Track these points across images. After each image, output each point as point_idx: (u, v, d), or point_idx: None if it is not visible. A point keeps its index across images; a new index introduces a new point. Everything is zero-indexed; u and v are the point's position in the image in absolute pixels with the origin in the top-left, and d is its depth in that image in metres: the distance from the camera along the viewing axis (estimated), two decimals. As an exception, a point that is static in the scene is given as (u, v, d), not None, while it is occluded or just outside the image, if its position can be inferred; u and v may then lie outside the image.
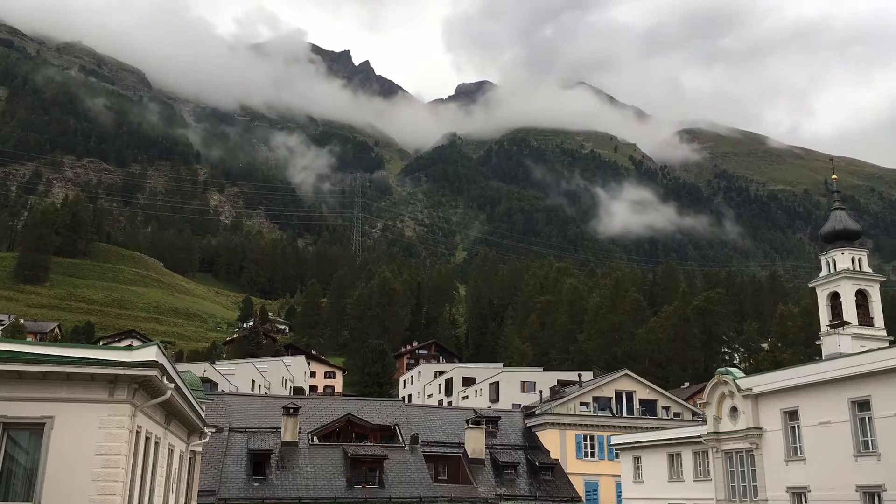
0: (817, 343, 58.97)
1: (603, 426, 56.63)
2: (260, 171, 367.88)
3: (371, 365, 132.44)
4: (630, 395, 61.14)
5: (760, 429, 35.25)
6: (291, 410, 45.17)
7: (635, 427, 55.24)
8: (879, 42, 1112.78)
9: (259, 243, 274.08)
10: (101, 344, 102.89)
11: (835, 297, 57.03)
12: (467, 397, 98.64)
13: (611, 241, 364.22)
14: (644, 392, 61.81)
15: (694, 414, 60.05)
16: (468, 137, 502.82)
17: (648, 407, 60.95)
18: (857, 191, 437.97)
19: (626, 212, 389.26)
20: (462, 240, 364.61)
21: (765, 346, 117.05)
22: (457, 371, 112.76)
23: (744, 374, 38.27)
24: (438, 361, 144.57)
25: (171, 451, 26.00)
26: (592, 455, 55.84)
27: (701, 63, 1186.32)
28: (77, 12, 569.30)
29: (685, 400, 67.81)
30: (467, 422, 49.72)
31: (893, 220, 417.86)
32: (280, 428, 45.21)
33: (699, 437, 39.88)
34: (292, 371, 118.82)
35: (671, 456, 43.87)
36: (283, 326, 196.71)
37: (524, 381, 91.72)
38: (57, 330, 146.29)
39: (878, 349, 34.14)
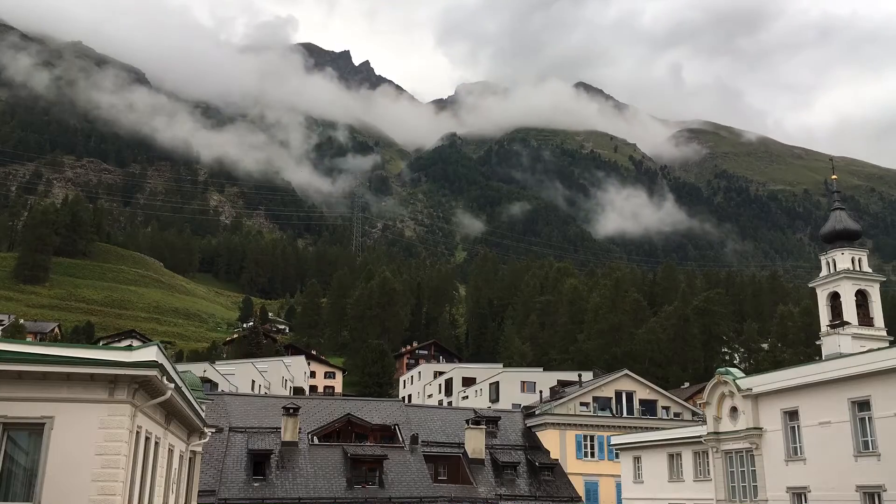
0: (817, 343, 58.99)
1: (603, 426, 56.62)
2: (260, 172, 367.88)
3: (371, 365, 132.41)
4: (630, 395, 61.13)
5: (760, 429, 35.24)
6: (291, 410, 45.15)
7: (635, 427, 55.22)
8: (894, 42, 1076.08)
9: (259, 243, 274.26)
10: (101, 344, 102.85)
11: (835, 298, 57.01)
12: (467, 397, 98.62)
13: (611, 241, 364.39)
14: (644, 392, 61.80)
15: (694, 414, 60.05)
16: (468, 137, 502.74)
17: (648, 407, 60.94)
18: (857, 191, 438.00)
19: (626, 212, 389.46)
20: (462, 240, 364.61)
21: (765, 346, 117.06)
22: (457, 371, 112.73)
23: (744, 375, 38.24)
24: (438, 361, 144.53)
25: (171, 451, 26.00)
26: (592, 455, 55.83)
27: (702, 63, 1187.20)
28: (77, 12, 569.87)
29: (685, 400, 67.80)
30: (467, 422, 49.69)
31: (893, 220, 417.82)
32: (280, 428, 45.19)
33: (699, 437, 39.86)
34: (292, 371, 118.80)
35: (671, 456, 43.86)
36: (283, 326, 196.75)
37: (524, 381, 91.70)
38: (57, 330, 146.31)
39: (878, 349, 34.14)
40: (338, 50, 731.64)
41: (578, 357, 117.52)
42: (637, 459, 47.19)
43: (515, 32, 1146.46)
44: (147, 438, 21.45)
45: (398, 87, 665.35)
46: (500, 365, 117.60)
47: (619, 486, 50.22)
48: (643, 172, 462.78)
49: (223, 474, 41.07)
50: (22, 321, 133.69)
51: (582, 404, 59.55)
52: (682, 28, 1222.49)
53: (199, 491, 34.69)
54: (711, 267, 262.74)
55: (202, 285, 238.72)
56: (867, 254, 59.60)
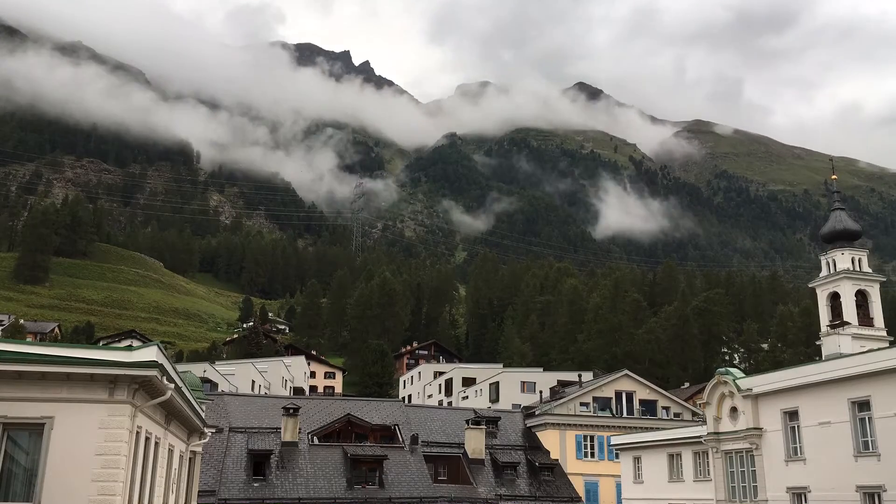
0: (817, 343, 58.98)
1: (603, 426, 56.61)
2: (260, 172, 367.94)
3: (371, 365, 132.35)
4: (630, 396, 61.13)
5: (760, 429, 35.23)
6: (291, 411, 45.13)
7: (635, 427, 55.22)
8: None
9: (259, 243, 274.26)
10: (101, 344, 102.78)
11: (835, 298, 56.99)
12: (467, 397, 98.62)
13: (611, 241, 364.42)
14: (644, 392, 61.80)
15: (694, 414, 60.04)
16: (468, 137, 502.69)
17: (648, 407, 60.95)
18: (857, 191, 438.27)
19: (626, 212, 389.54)
20: (462, 240, 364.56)
21: (765, 346, 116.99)
22: (457, 371, 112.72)
23: (744, 375, 38.21)
24: (438, 362, 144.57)
25: (171, 452, 26.00)
26: (592, 455, 55.83)
27: (702, 62, 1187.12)
28: (77, 12, 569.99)
29: (685, 400, 67.80)
30: (467, 422, 49.69)
31: (893, 220, 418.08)
32: (280, 428, 45.18)
33: (699, 437, 39.85)
34: (292, 371, 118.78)
35: (671, 456, 43.85)
36: (283, 327, 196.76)
37: (524, 382, 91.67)
38: (57, 330, 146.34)
39: (878, 349, 34.14)
40: (338, 50, 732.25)
41: (578, 357, 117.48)
42: (637, 459, 47.18)
43: (516, 32, 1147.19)
44: (147, 439, 21.44)
45: (398, 87, 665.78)
46: (500, 365, 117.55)
47: (619, 486, 50.21)
48: (643, 172, 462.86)
49: (223, 474, 41.06)
50: (22, 321, 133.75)
51: (582, 404, 59.55)
52: (683, 28, 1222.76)
53: (199, 491, 34.68)
54: (711, 267, 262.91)
55: (202, 285, 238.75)
56: (867, 254, 59.57)
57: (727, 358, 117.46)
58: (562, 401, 59.32)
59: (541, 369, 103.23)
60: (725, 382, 37.48)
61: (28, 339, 72.24)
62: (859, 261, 57.74)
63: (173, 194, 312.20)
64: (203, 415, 30.06)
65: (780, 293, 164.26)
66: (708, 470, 39.77)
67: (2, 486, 17.66)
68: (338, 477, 42.73)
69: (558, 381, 72.34)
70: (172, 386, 20.43)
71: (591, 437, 56.18)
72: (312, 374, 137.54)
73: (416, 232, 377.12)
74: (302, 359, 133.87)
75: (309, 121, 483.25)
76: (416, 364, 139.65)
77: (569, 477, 50.09)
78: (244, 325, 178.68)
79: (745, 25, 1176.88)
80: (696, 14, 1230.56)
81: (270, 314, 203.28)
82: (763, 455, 35.11)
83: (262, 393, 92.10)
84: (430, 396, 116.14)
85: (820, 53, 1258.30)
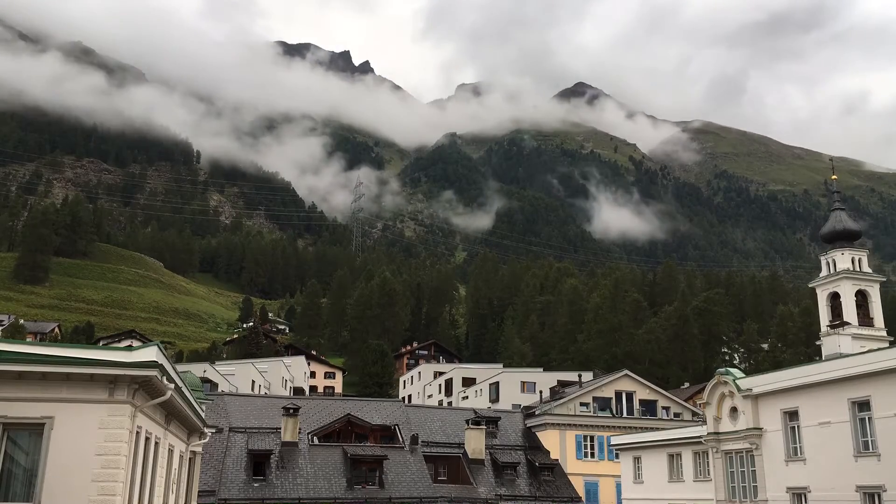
0: (817, 343, 59.02)
1: (603, 426, 56.62)
2: (260, 171, 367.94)
3: (371, 365, 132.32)
4: (630, 396, 61.14)
5: (760, 429, 35.23)
6: (291, 411, 45.12)
7: (635, 427, 55.24)
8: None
9: (259, 243, 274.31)
10: (101, 344, 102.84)
11: (835, 298, 57.00)
12: (467, 398, 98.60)
13: (611, 241, 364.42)
14: (644, 392, 61.81)
15: (694, 414, 60.04)
16: (468, 137, 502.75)
17: (648, 407, 60.96)
18: (857, 191, 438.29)
19: (626, 212, 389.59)
20: (462, 240, 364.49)
21: (765, 346, 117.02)
22: (457, 371, 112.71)
23: (744, 375, 38.21)
24: (438, 362, 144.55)
25: (171, 452, 26.00)
26: (592, 455, 55.84)
27: (703, 62, 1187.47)
28: (77, 12, 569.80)
29: (685, 400, 67.81)
30: (467, 422, 49.69)
31: (893, 220, 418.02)
32: (280, 428, 45.16)
33: (699, 437, 39.86)
34: (292, 371, 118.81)
35: (671, 456, 43.85)
36: (283, 327, 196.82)
37: (524, 382, 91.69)
38: (57, 330, 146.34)
39: (878, 349, 34.12)
40: (338, 50, 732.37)
41: (578, 357, 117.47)
42: (637, 460, 47.18)
43: (517, 32, 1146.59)
44: (147, 439, 21.44)
45: (398, 87, 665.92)
46: (500, 365, 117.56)
47: (619, 486, 50.21)
48: (643, 172, 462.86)
49: (223, 474, 41.06)
50: (22, 321, 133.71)
51: (582, 404, 59.56)
52: (683, 28, 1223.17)
53: (199, 491, 34.68)
54: (711, 267, 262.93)
55: (202, 285, 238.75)
56: (867, 254, 59.59)
57: (727, 358, 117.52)
58: (562, 401, 59.33)
59: (541, 369, 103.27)
60: (725, 382, 37.48)
61: (28, 339, 72.36)
62: (859, 261, 57.75)
63: (173, 194, 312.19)
64: (203, 415, 30.06)
65: (780, 293, 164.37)
66: (708, 470, 39.78)
67: (2, 486, 17.66)
68: (338, 477, 42.72)
69: (558, 381, 72.34)
70: (172, 386, 20.42)
71: (591, 438, 56.20)
72: (312, 375, 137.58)
73: (416, 232, 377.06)
74: (302, 359, 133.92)
75: (309, 121, 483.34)
76: (416, 364, 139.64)
77: (569, 477, 50.09)
78: (244, 326, 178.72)
79: (755, 26, 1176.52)
80: (700, 14, 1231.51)
81: (270, 314, 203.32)
82: (763, 455, 35.11)
83: (262, 393, 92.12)
84: (430, 396, 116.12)
85: (828, 53, 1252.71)
